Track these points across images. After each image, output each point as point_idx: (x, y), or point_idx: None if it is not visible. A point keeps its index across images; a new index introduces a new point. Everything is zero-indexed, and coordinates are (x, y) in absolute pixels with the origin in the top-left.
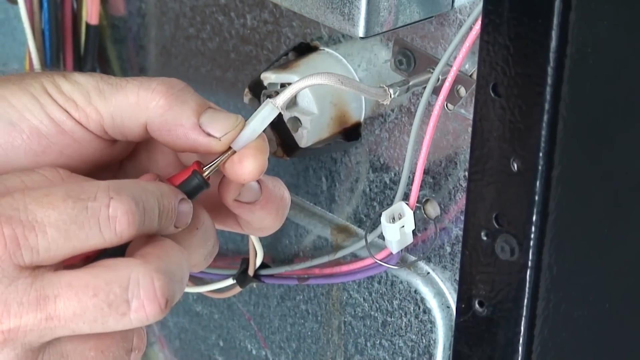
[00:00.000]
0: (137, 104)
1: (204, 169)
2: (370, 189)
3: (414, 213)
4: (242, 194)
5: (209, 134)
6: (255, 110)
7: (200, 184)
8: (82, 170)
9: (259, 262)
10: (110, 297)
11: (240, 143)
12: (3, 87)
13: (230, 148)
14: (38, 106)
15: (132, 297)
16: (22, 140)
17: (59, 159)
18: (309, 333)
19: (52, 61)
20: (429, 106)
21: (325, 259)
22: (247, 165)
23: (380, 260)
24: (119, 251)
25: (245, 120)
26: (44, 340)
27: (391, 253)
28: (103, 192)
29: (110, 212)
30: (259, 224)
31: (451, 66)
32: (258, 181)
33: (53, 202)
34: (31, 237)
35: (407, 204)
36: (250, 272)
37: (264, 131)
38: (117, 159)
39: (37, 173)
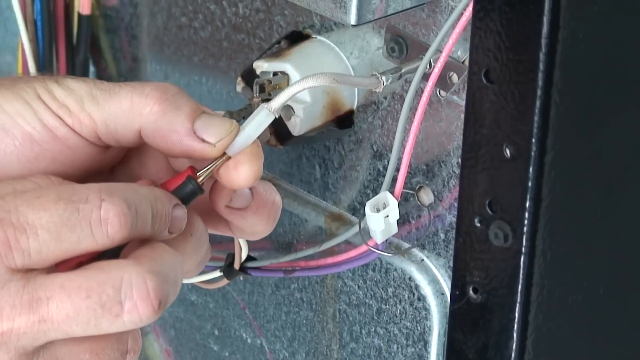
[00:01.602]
0: (130, 110)
1: (198, 174)
2: (363, 177)
3: (407, 201)
4: (234, 200)
5: (203, 140)
6: (248, 100)
7: (194, 189)
8: (73, 176)
9: (244, 257)
10: (103, 298)
11: (235, 149)
12: None
13: (224, 154)
14: (31, 112)
15: (125, 297)
16: (14, 147)
17: (51, 165)
18: (304, 321)
19: (45, 51)
20: (423, 93)
21: (311, 252)
22: (243, 171)
23: (373, 247)
24: (112, 257)
25: (240, 126)
26: (38, 344)
27: (376, 243)
28: (95, 194)
29: (102, 214)
30: (250, 229)
31: (441, 52)
32: (250, 187)
33: (44, 204)
34: (22, 239)
35: (392, 193)
36: (236, 265)
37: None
38: (109, 164)
39: (29, 180)
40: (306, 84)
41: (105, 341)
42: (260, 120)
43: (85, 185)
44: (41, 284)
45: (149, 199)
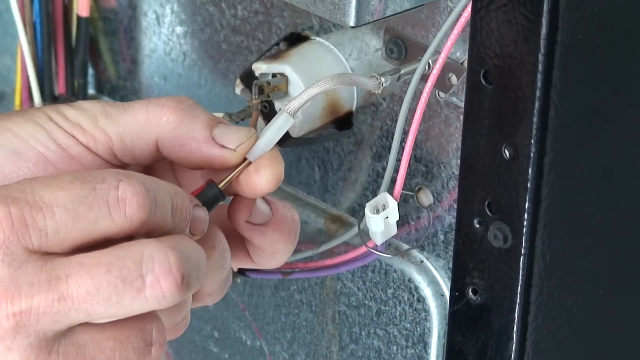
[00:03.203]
0: (146, 122)
1: (219, 183)
2: (363, 178)
3: (406, 202)
4: (253, 215)
5: (223, 146)
6: (248, 101)
7: (216, 194)
8: None
9: None
10: (124, 272)
11: (255, 154)
12: (6, 120)
13: (245, 159)
14: (44, 133)
15: (146, 271)
16: (27, 169)
17: None
18: (304, 323)
19: (44, 54)
20: (422, 95)
21: (310, 253)
22: (264, 174)
23: (372, 249)
24: None
25: (260, 132)
26: (58, 328)
27: (376, 244)
28: (112, 175)
29: (120, 194)
30: (271, 248)
31: (440, 53)
32: (268, 203)
33: (60, 184)
34: (39, 218)
35: (391, 194)
36: (234, 268)
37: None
38: None
39: None
40: (324, 86)
41: (129, 329)
42: (280, 124)
43: (102, 170)
44: (59, 263)
45: (168, 190)
